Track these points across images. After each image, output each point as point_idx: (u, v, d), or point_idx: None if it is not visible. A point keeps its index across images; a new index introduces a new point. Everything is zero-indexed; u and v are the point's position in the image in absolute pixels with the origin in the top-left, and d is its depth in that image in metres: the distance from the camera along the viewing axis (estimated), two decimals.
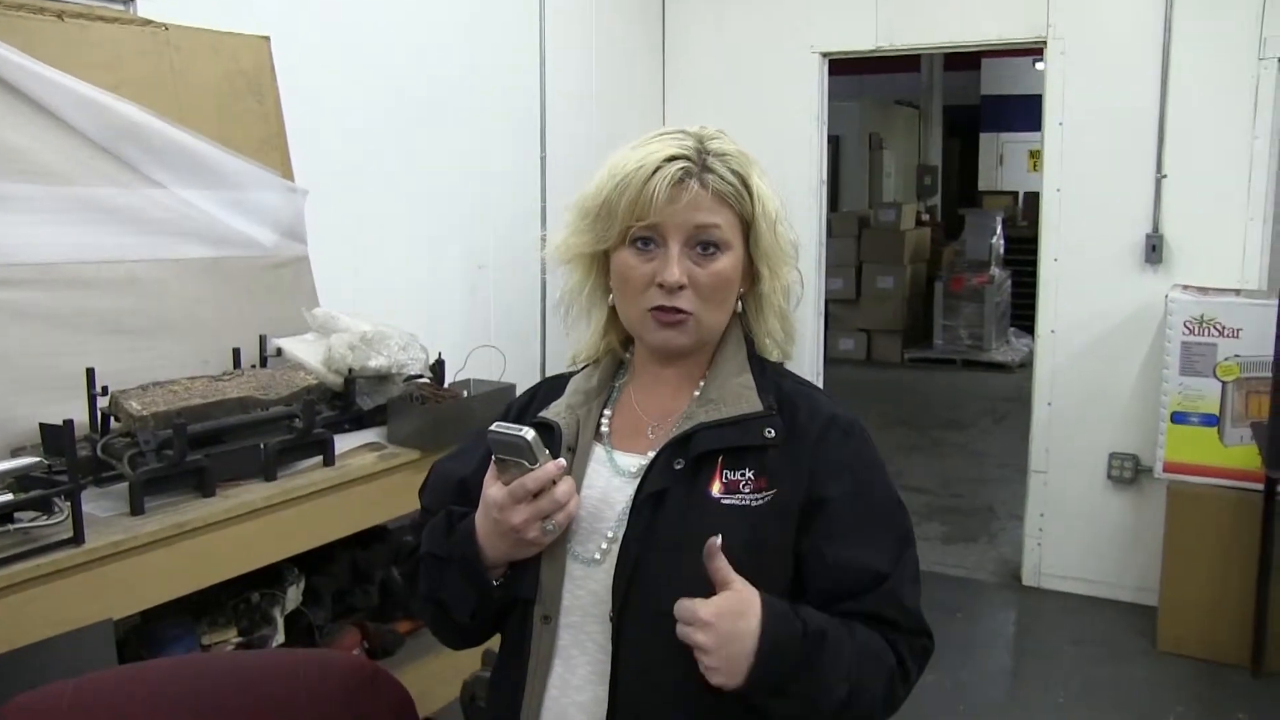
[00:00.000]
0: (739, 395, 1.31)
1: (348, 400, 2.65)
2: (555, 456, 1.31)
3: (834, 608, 1.25)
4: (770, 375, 1.35)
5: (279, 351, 2.73)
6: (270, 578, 2.49)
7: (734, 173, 1.29)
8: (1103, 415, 4.26)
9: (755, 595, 1.19)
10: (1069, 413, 4.33)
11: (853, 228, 9.78)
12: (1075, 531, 4.39)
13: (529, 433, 1.22)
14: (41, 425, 2.12)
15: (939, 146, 12.40)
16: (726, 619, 1.17)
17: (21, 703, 1.31)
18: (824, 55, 4.70)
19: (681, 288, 1.28)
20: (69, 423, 1.94)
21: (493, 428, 1.24)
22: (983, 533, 5.28)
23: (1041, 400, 4.38)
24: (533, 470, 1.23)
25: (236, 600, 2.46)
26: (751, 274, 1.34)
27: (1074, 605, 4.35)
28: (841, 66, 5.06)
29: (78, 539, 1.92)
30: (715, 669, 1.16)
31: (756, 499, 1.26)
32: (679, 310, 1.29)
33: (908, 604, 1.27)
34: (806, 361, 4.91)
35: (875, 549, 1.27)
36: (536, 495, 1.24)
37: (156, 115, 2.63)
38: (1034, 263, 4.43)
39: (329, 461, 2.46)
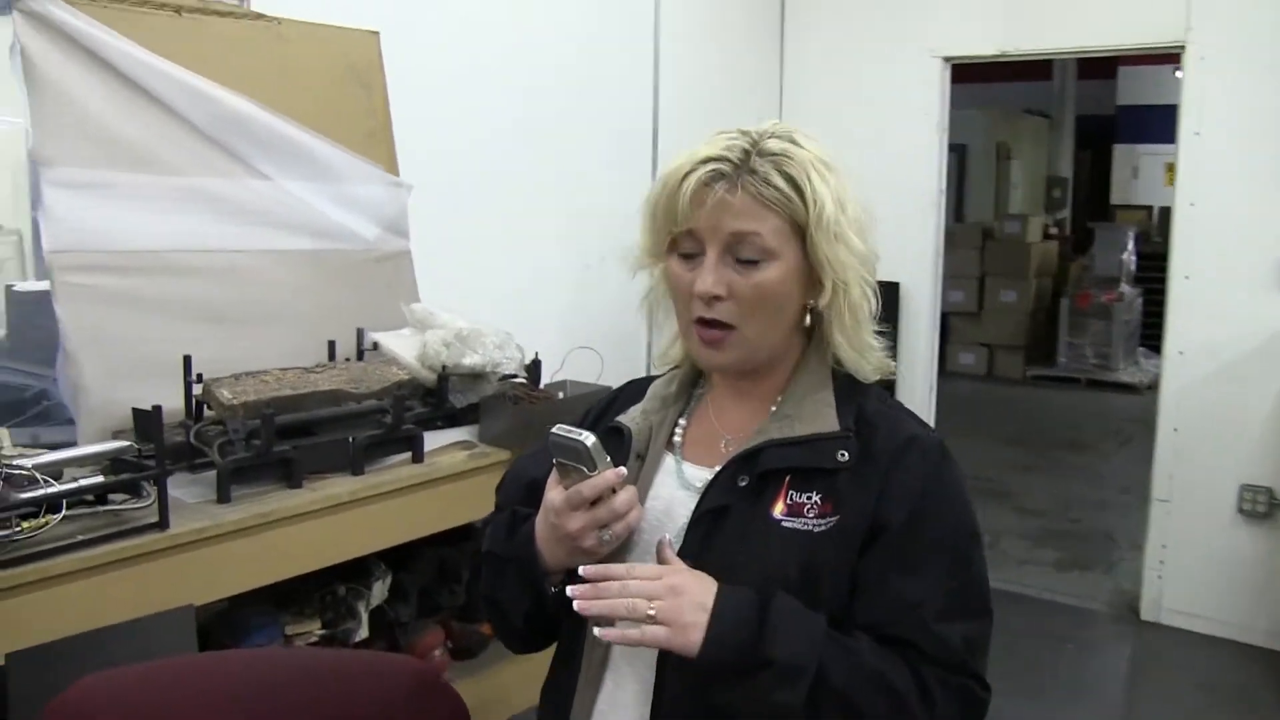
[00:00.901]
0: (816, 413, 1.23)
1: (440, 397, 2.63)
2: (623, 463, 1.26)
3: (869, 628, 1.18)
4: (854, 393, 1.27)
5: (375, 345, 2.73)
6: (357, 572, 2.49)
7: (783, 174, 1.20)
8: (1234, 444, 4.01)
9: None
10: (1197, 439, 4.09)
11: (976, 239, 9.53)
12: (1201, 565, 4.14)
13: (589, 438, 1.17)
14: (134, 410, 2.14)
15: (1070, 157, 12.00)
16: (679, 574, 1.14)
17: (86, 684, 1.30)
18: (945, 60, 4.55)
19: (718, 299, 1.20)
20: (157, 409, 1.95)
21: (553, 430, 1.19)
22: (1099, 561, 5.06)
23: (1167, 424, 4.16)
24: (590, 477, 1.18)
25: (323, 592, 2.46)
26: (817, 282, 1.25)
27: (1197, 644, 4.11)
28: (968, 74, 4.91)
29: (163, 524, 1.93)
30: (664, 624, 1.10)
31: (820, 525, 1.19)
32: (718, 324, 1.22)
33: (948, 641, 1.17)
34: (919, 375, 4.77)
35: (919, 576, 1.18)
36: (594, 503, 1.19)
37: (265, 108, 2.66)
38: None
39: (418, 458, 2.45)
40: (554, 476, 1.23)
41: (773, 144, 1.23)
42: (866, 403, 1.27)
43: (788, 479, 1.21)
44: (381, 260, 2.96)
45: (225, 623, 2.25)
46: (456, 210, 3.31)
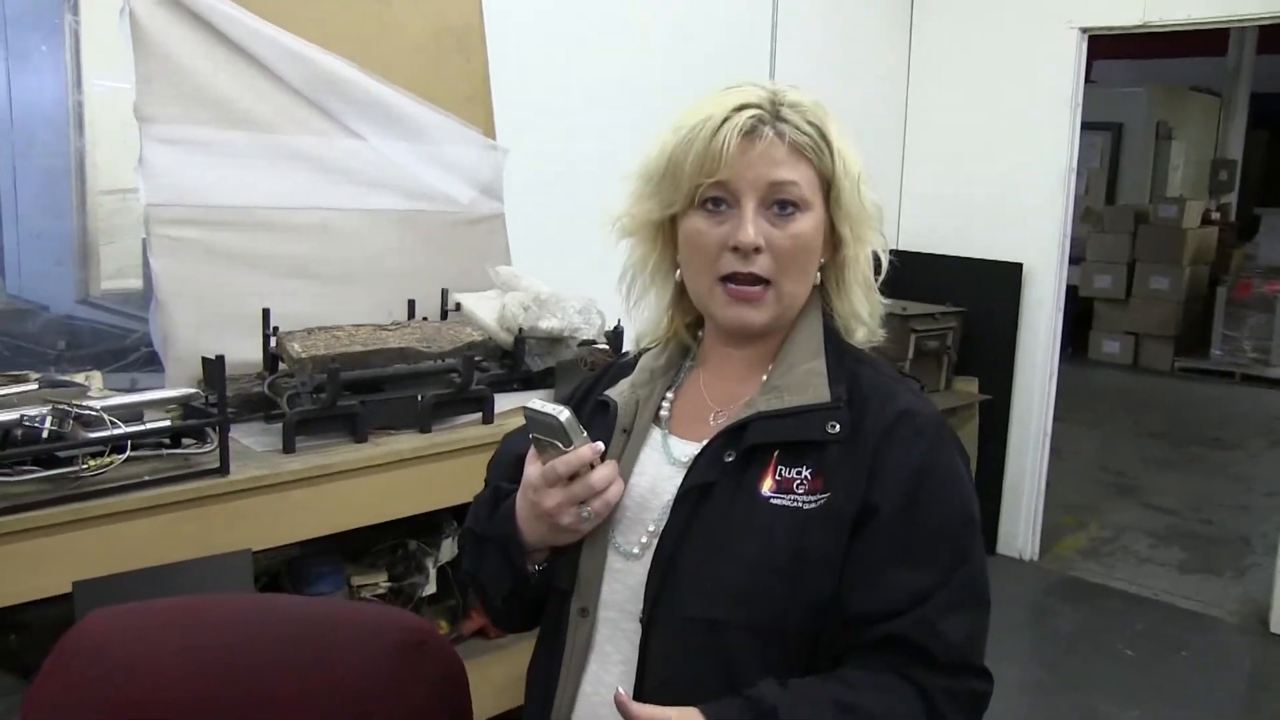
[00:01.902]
0: (806, 383, 1.18)
1: (517, 359, 2.65)
2: (608, 438, 1.24)
3: (867, 634, 1.11)
4: (848, 362, 1.21)
5: (458, 306, 2.77)
6: (428, 529, 2.53)
7: (811, 124, 1.17)
8: None
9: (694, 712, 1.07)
10: None
11: (1128, 223, 9.12)
12: None
13: (563, 413, 1.15)
14: (203, 358, 2.22)
15: (1241, 138, 11.31)
16: None
17: (95, 618, 1.35)
18: (1083, 31, 4.33)
19: (758, 250, 1.16)
20: (220, 358, 2.01)
21: (527, 406, 1.18)
22: (1229, 566, 4.80)
23: None
24: (565, 453, 1.16)
25: (393, 545, 2.51)
26: (833, 240, 1.21)
27: None
28: (1127, 49, 4.68)
29: (223, 469, 2.00)
30: None
31: (810, 502, 1.14)
32: (756, 279, 1.18)
33: (950, 636, 1.10)
34: (1039, 361, 4.59)
35: (918, 567, 1.11)
36: (571, 479, 1.17)
37: (361, 69, 2.71)
38: None
39: (488, 419, 2.47)
40: (531, 452, 1.22)
41: (793, 95, 1.21)
42: (861, 371, 1.22)
43: (776, 453, 1.16)
44: (474, 223, 2.99)
45: (292, 570, 2.32)
46: (553, 175, 3.32)
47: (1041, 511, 4.81)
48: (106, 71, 3.42)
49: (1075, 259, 8.72)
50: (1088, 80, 4.55)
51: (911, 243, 4.85)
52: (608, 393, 1.31)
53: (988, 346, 4.71)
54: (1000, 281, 4.63)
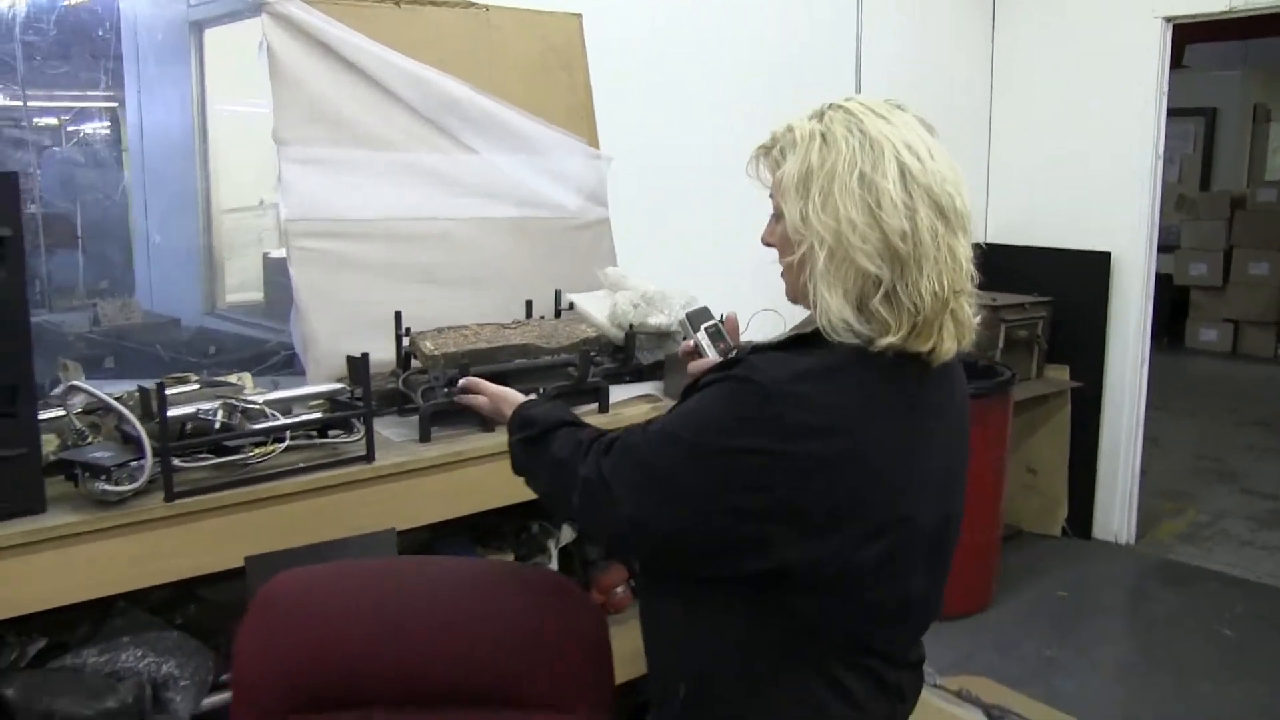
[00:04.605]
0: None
1: (628, 354, 2.83)
2: None
3: None
4: (799, 336, 1.42)
5: (571, 305, 2.96)
6: (549, 512, 2.72)
7: (782, 151, 1.44)
8: None
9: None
10: None
11: (1224, 209, 9.02)
12: None
13: (679, 316, 1.73)
14: (348, 357, 2.43)
15: None
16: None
17: (286, 576, 1.57)
18: (1167, 20, 4.38)
19: (767, 244, 1.52)
20: (365, 355, 2.22)
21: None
22: None
23: None
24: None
25: (517, 528, 2.71)
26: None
27: None
28: (1220, 31, 4.70)
29: (369, 457, 2.21)
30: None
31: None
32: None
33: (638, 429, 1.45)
34: (1129, 349, 4.66)
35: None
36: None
37: (474, 88, 2.92)
38: None
39: (603, 409, 2.65)
40: None
41: (797, 124, 1.45)
42: (801, 347, 1.39)
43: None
44: (582, 228, 3.19)
45: (426, 550, 2.52)
46: (654, 182, 3.50)
47: (1137, 497, 4.86)
48: (228, 98, 3.69)
49: (1169, 247, 8.67)
50: (1180, 65, 4.60)
51: (1000, 235, 4.94)
52: None
53: (1079, 335, 4.78)
54: (1089, 271, 4.70)
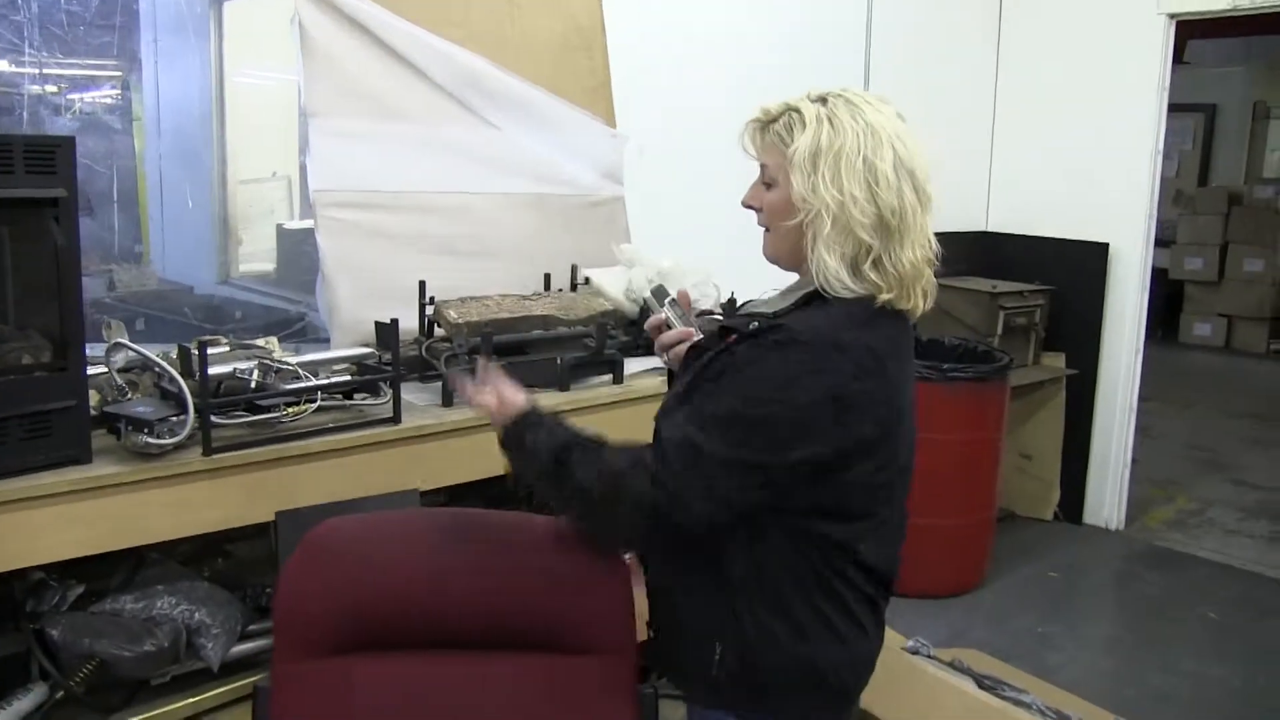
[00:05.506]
0: (781, 301, 1.64)
1: (641, 327, 2.91)
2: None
3: None
4: (815, 297, 1.56)
5: (587, 280, 3.04)
6: None
7: (787, 128, 1.57)
8: None
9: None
10: None
11: (1221, 204, 9.13)
12: None
13: (645, 292, 1.84)
14: (376, 323, 2.52)
15: None
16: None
17: (332, 523, 1.66)
18: (1170, 16, 4.46)
19: (757, 209, 1.64)
20: (395, 321, 2.31)
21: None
22: None
23: None
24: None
25: (529, 493, 2.79)
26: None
27: None
28: (1221, 27, 4.78)
29: (395, 419, 2.29)
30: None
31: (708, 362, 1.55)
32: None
33: (679, 421, 1.49)
34: (1125, 340, 4.75)
35: (694, 403, 1.52)
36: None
37: (497, 66, 3.00)
38: None
39: (618, 380, 2.74)
40: None
41: (802, 105, 1.58)
42: (821, 305, 1.54)
43: (733, 336, 1.54)
44: (597, 204, 3.27)
45: None
46: (668, 161, 3.58)
47: (1128, 484, 4.97)
48: (246, 67, 3.75)
49: (1166, 241, 8.77)
50: (1180, 61, 4.66)
51: (1001, 224, 5.02)
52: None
53: (1075, 324, 4.88)
54: (1087, 261, 4.80)
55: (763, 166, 1.61)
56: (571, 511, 1.62)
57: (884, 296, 1.52)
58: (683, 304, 1.84)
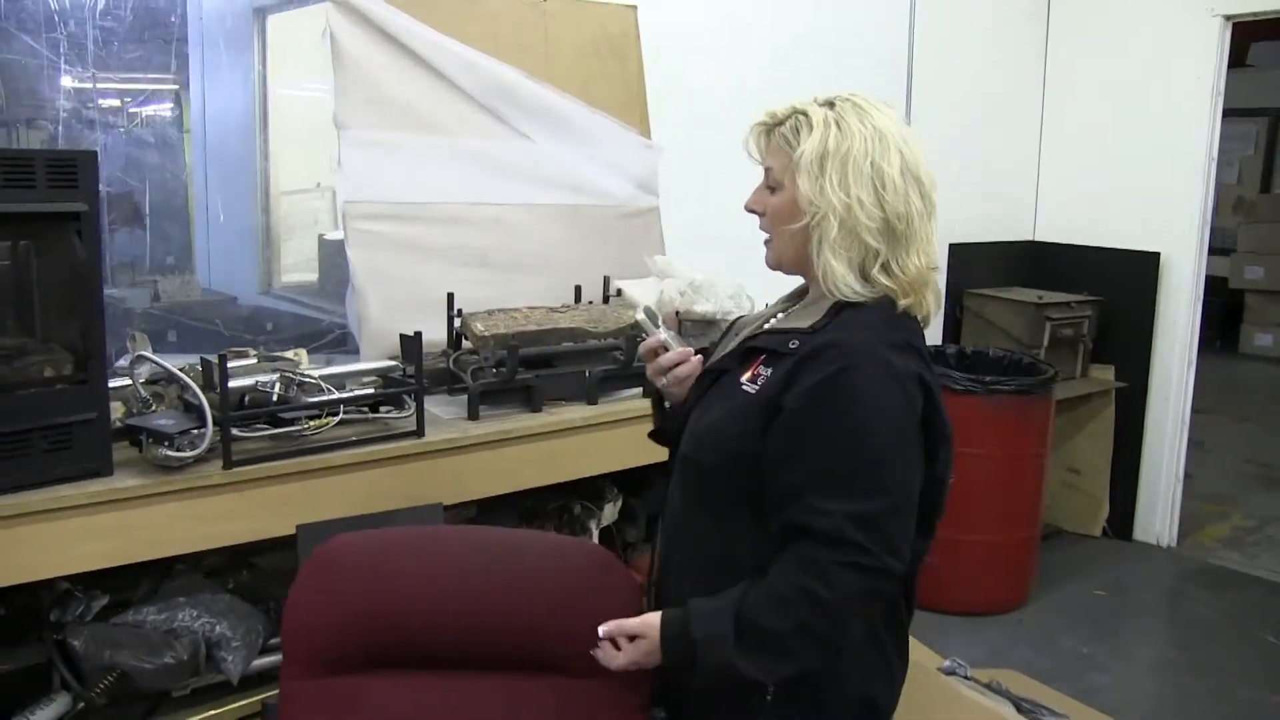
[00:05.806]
0: (808, 314, 1.58)
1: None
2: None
3: (775, 523, 1.45)
4: (847, 307, 1.51)
5: (619, 292, 3.02)
6: (592, 494, 2.79)
7: (794, 131, 1.54)
8: None
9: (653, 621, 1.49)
10: None
11: None
12: None
13: (639, 313, 1.77)
14: (401, 336, 2.51)
15: None
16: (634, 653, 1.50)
17: (341, 539, 1.64)
18: (1226, 18, 4.35)
19: (752, 212, 1.61)
20: (418, 334, 2.30)
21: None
22: None
23: None
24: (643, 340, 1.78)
25: (560, 507, 2.77)
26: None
27: None
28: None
29: (419, 432, 2.28)
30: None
31: (755, 390, 1.50)
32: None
33: (828, 515, 1.39)
34: (1176, 351, 4.65)
35: (806, 462, 1.42)
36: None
37: (529, 76, 2.98)
38: None
39: (648, 394, 2.70)
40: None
41: (810, 109, 1.56)
42: (851, 314, 1.49)
43: (762, 357, 1.52)
44: (631, 216, 3.25)
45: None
46: (704, 172, 3.54)
47: (1180, 499, 4.84)
48: (289, 81, 3.77)
49: (1225, 250, 8.57)
50: (1243, 64, 4.54)
51: (1048, 233, 4.92)
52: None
53: (1126, 335, 4.77)
54: (1138, 271, 4.69)
55: (767, 170, 1.58)
56: (796, 661, 1.43)
57: (903, 301, 1.51)
58: (669, 326, 1.85)
